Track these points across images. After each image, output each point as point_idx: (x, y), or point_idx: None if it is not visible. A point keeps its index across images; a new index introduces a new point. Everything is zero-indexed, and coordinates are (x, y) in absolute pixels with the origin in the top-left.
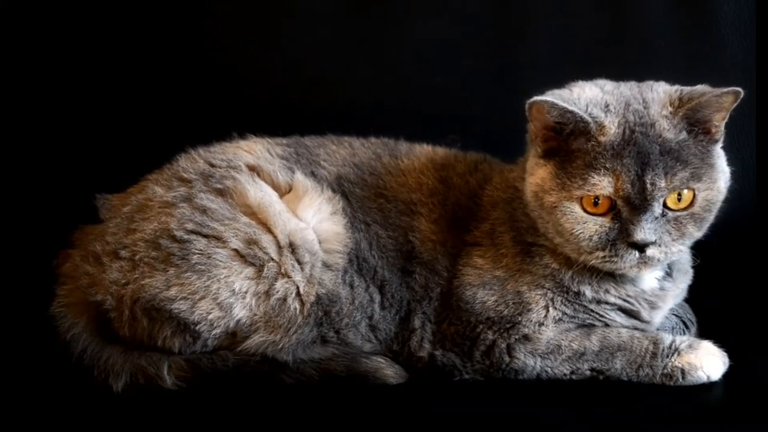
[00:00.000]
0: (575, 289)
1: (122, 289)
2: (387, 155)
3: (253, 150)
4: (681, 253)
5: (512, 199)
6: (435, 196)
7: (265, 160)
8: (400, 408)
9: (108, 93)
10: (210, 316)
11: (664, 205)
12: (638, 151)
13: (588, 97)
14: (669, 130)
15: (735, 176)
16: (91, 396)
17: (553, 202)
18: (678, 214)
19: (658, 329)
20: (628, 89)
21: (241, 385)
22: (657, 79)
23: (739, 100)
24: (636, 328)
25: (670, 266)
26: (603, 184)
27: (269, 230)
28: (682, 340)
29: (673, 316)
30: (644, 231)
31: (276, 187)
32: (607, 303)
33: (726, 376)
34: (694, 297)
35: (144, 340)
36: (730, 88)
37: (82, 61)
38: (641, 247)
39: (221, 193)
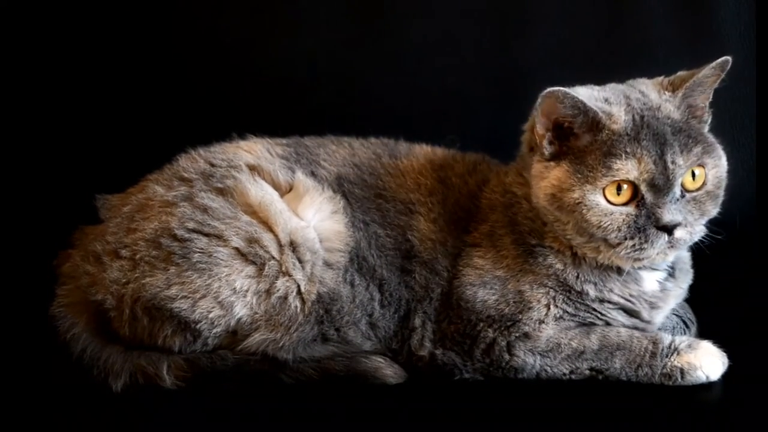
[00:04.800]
0: (579, 289)
1: (123, 288)
2: (386, 155)
3: (254, 150)
4: (702, 233)
5: (511, 204)
6: (433, 196)
7: (265, 159)
8: (399, 408)
9: (108, 93)
10: (211, 315)
11: (682, 187)
12: (654, 133)
13: (585, 94)
14: (674, 111)
15: (735, 176)
16: (90, 396)
17: (576, 199)
18: (695, 194)
19: (659, 329)
20: (615, 87)
21: (241, 385)
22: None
23: (725, 71)
24: (636, 328)
25: (673, 266)
26: (628, 168)
27: (270, 229)
28: (682, 340)
29: (674, 316)
30: (671, 212)
31: (277, 186)
32: (610, 302)
33: (725, 376)
34: (693, 297)
35: (144, 339)
36: (719, 60)
37: (82, 61)
38: (670, 230)
39: (222, 192)
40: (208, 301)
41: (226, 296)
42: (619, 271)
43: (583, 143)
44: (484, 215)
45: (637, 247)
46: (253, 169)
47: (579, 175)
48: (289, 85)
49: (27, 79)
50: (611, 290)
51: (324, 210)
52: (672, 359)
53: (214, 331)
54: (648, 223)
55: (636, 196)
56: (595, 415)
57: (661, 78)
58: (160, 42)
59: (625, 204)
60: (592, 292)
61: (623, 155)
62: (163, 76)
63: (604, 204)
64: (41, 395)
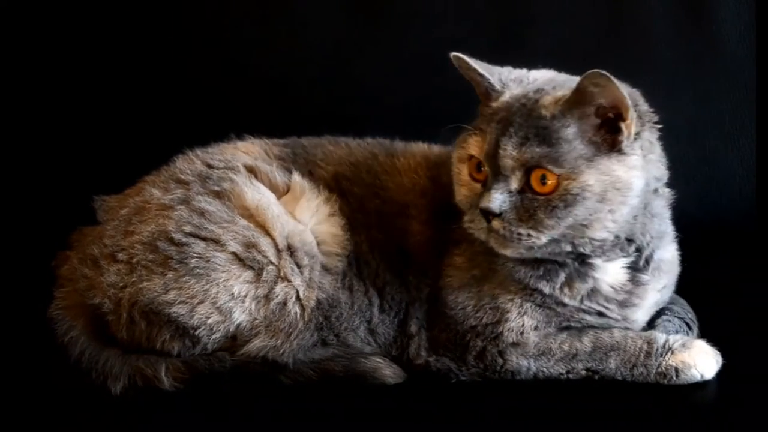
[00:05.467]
0: (533, 287)
1: (120, 292)
2: (384, 154)
3: (251, 151)
4: (532, 240)
5: None
6: (425, 197)
7: (262, 161)
8: (399, 408)
9: (106, 94)
10: (209, 321)
11: (528, 185)
12: (505, 117)
13: (525, 75)
14: (548, 108)
15: (735, 176)
16: (89, 398)
17: (453, 161)
18: (536, 197)
19: (660, 331)
20: (567, 79)
21: (239, 386)
22: (657, 79)
23: (625, 95)
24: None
25: (637, 258)
26: (472, 143)
27: (267, 233)
28: (676, 339)
29: (676, 318)
30: (490, 199)
31: (274, 188)
32: (563, 304)
33: (719, 374)
34: (693, 297)
35: (142, 344)
36: (587, 73)
37: (82, 62)
38: (486, 216)
39: (219, 195)
40: (207, 306)
41: (224, 302)
42: (561, 265)
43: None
44: None
45: (468, 222)
46: (250, 170)
47: (458, 140)
48: (286, 85)
49: (27, 79)
50: (561, 289)
51: (321, 212)
52: (667, 358)
53: (213, 337)
54: (476, 202)
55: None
56: (592, 414)
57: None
58: (159, 42)
59: (481, 182)
60: (546, 290)
61: (478, 131)
62: (162, 76)
63: (465, 175)
64: (39, 398)
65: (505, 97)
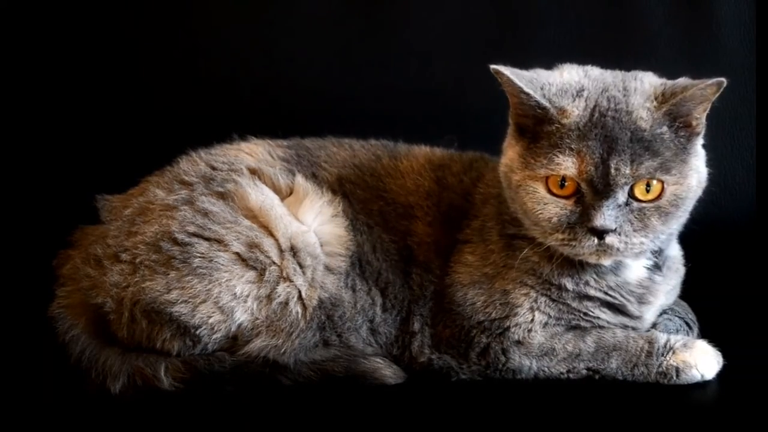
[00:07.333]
0: (556, 283)
1: (123, 291)
2: (387, 157)
3: (254, 152)
4: (643, 246)
5: (499, 193)
6: (430, 198)
7: (266, 162)
8: (398, 408)
9: (108, 93)
10: (211, 320)
11: (631, 195)
12: (605, 135)
13: (564, 81)
14: (646, 120)
15: (735, 176)
16: (88, 397)
17: (518, 181)
18: (644, 205)
19: (661, 331)
20: (612, 76)
21: (239, 386)
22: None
23: (721, 90)
24: (626, 326)
25: (657, 259)
26: (566, 165)
27: (270, 234)
28: (677, 339)
29: (676, 318)
30: (604, 217)
31: (277, 189)
32: (588, 298)
33: (720, 375)
34: (693, 297)
35: (142, 342)
36: (713, 80)
37: (83, 62)
38: (600, 234)
39: (222, 196)
40: (208, 306)
41: (226, 301)
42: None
43: (543, 128)
44: (477, 210)
45: (565, 242)
46: (253, 172)
47: (524, 160)
48: (289, 86)
49: (27, 79)
50: (587, 283)
51: (324, 213)
52: (668, 358)
53: (214, 336)
54: (580, 221)
55: (579, 192)
56: (591, 414)
57: (661, 82)
58: (161, 43)
59: (567, 197)
60: (569, 285)
61: (566, 150)
62: (164, 77)
63: (543, 192)
64: (39, 396)
65: (576, 111)
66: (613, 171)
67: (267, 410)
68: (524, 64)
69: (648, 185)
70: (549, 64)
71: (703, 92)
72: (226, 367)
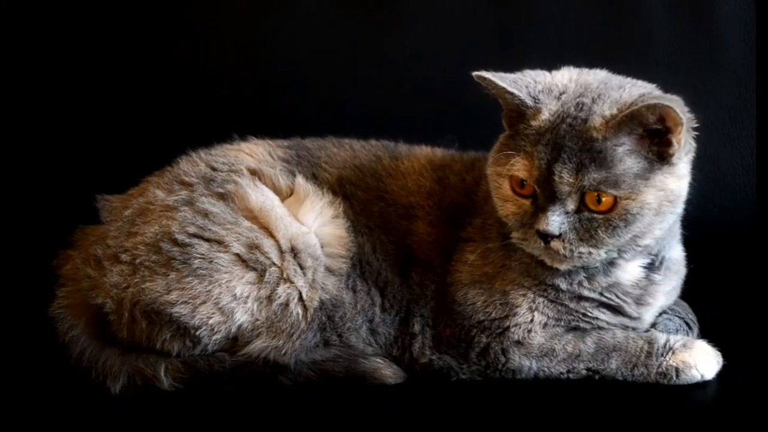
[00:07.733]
0: (550, 283)
1: (123, 292)
2: (387, 157)
3: (255, 153)
4: (592, 257)
5: None
6: (431, 198)
7: (266, 163)
8: (398, 408)
9: (108, 93)
10: (211, 321)
11: (583, 203)
12: (555, 141)
13: (552, 82)
14: (599, 131)
15: (735, 176)
16: (88, 397)
17: (490, 175)
18: (594, 215)
19: (661, 331)
20: (598, 83)
21: (239, 387)
22: (657, 78)
23: (678, 111)
24: (626, 327)
25: (656, 256)
26: (518, 167)
27: (271, 234)
28: (677, 339)
29: (676, 318)
30: (548, 222)
31: (277, 190)
32: (584, 298)
33: (719, 374)
34: (693, 297)
35: (142, 343)
36: (657, 101)
37: (83, 62)
38: (545, 237)
39: (223, 197)
40: (209, 307)
41: (226, 302)
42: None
43: (520, 127)
44: (479, 209)
45: (521, 240)
46: (254, 173)
47: (495, 156)
48: (289, 86)
49: (27, 79)
50: (580, 284)
51: (325, 215)
52: (667, 358)
53: (214, 337)
54: (530, 222)
55: (535, 194)
56: (591, 414)
57: (639, 94)
58: (161, 43)
59: (525, 197)
60: (563, 285)
61: (522, 153)
62: (164, 76)
63: (507, 189)
64: (40, 396)
65: (545, 115)
66: (556, 178)
67: (267, 410)
68: (524, 64)
69: (599, 196)
70: (549, 65)
71: (643, 113)
72: (226, 367)
